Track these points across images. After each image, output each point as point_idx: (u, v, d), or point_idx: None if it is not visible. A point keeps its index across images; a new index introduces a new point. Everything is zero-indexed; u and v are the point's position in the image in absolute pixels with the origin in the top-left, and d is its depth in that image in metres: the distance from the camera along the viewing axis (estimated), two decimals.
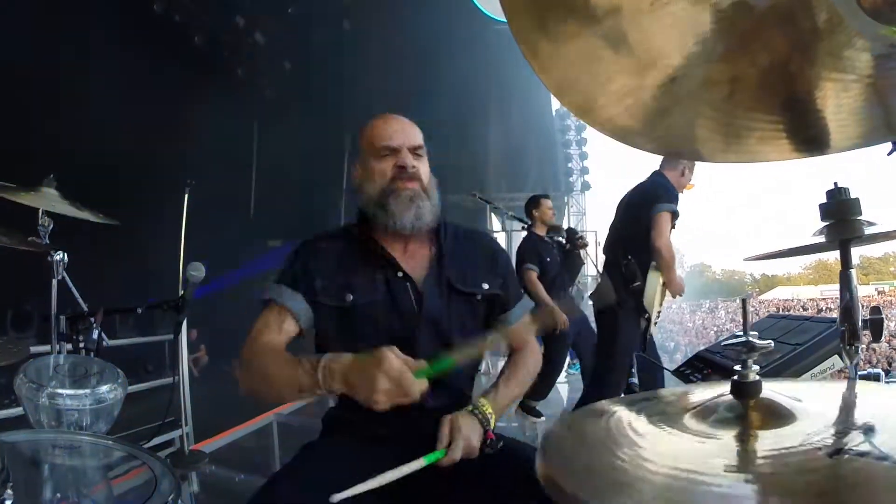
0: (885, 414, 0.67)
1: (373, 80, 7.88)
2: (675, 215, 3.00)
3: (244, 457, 3.48)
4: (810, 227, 1.21)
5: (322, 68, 8.12)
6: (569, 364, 5.49)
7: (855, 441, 0.59)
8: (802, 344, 1.98)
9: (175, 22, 6.31)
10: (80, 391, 1.65)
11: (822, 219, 1.13)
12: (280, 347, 1.29)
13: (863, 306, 1.10)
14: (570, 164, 14.64)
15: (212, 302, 6.78)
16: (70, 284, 2.34)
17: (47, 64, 4.97)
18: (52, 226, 2.19)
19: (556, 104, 11.78)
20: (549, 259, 4.12)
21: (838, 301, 1.10)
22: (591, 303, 3.77)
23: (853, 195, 1.10)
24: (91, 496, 1.16)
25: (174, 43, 6.31)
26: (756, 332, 0.74)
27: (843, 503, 0.55)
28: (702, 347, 2.64)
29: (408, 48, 7.71)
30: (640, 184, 3.31)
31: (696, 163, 3.19)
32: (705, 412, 0.73)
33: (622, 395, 2.81)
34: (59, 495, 1.12)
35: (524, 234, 4.45)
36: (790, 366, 1.92)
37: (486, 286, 1.41)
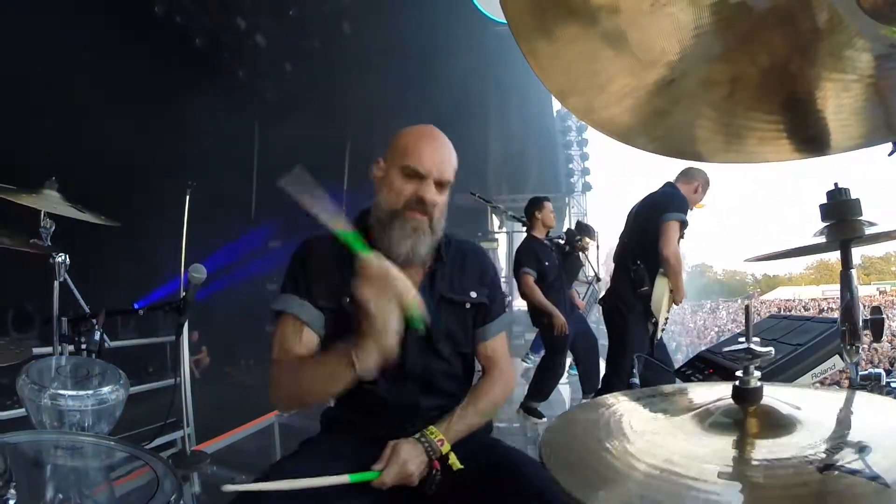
0: (883, 431, 0.67)
1: (373, 81, 7.88)
2: (683, 224, 3.06)
3: (246, 458, 3.48)
4: (811, 227, 1.21)
5: (322, 70, 8.12)
6: (570, 365, 5.49)
7: (847, 458, 0.59)
8: (803, 344, 1.97)
9: (176, 23, 6.32)
10: (82, 392, 1.65)
11: (823, 219, 1.13)
12: (304, 357, 1.28)
13: (864, 306, 1.10)
14: (571, 165, 14.64)
15: (213, 303, 6.79)
16: (72, 286, 2.34)
17: (48, 65, 4.97)
18: (53, 228, 2.20)
19: (556, 105, 11.77)
20: (547, 262, 4.09)
21: (839, 301, 1.10)
22: (599, 307, 3.77)
23: (853, 196, 1.10)
24: (93, 497, 1.16)
25: (175, 44, 6.32)
26: (758, 339, 0.74)
27: None
28: (703, 348, 2.64)
29: (408, 50, 7.71)
30: (651, 194, 3.38)
31: (710, 184, 3.37)
32: (704, 414, 0.73)
33: None
34: (61, 496, 1.12)
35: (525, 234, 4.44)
36: (791, 366, 1.92)
37: (474, 294, 1.41)
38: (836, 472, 0.56)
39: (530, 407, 4.11)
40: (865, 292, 31.60)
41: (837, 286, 1.14)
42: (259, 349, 7.95)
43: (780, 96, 0.68)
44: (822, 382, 2.12)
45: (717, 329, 34.44)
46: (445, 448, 1.22)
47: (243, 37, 7.33)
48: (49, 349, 2.20)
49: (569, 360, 5.05)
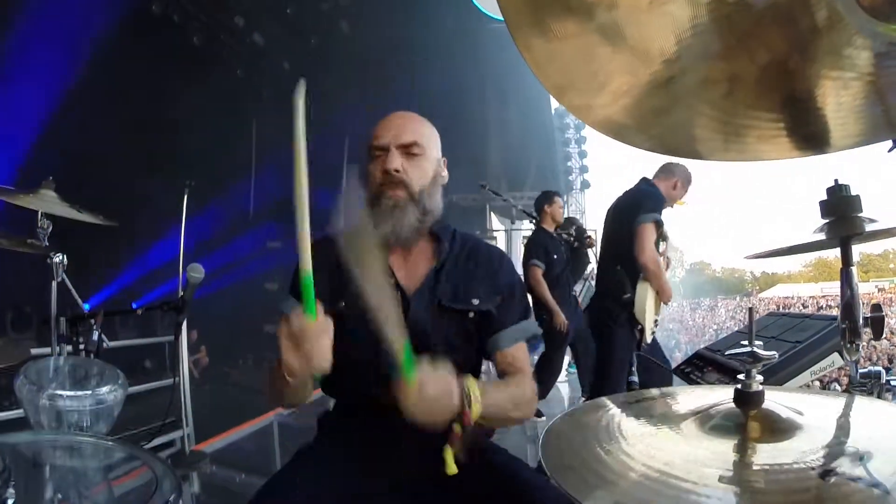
0: (883, 437, 0.66)
1: (371, 80, 7.88)
2: (658, 224, 2.90)
3: (244, 457, 3.47)
4: (811, 224, 1.21)
5: (321, 68, 8.11)
6: (568, 364, 5.49)
7: (848, 464, 0.59)
8: (803, 341, 1.98)
9: (174, 22, 6.30)
10: (81, 392, 1.65)
11: (823, 216, 1.13)
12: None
13: (863, 303, 1.09)
14: (569, 163, 14.65)
15: (212, 303, 6.79)
16: (70, 286, 2.34)
17: (48, 64, 4.96)
18: (51, 228, 2.19)
19: (555, 103, 11.75)
20: (555, 256, 4.10)
21: (839, 298, 1.10)
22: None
23: (853, 192, 1.10)
24: (92, 497, 1.16)
25: (173, 43, 6.31)
26: (760, 343, 0.74)
27: None
28: (702, 346, 2.64)
29: (406, 48, 7.71)
30: (626, 192, 3.22)
31: (692, 180, 3.21)
32: (705, 418, 0.73)
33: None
34: (59, 496, 1.12)
35: (525, 233, 4.45)
36: (790, 363, 1.92)
37: (476, 302, 1.28)
38: (837, 478, 0.56)
39: None
40: (864, 290, 31.63)
41: (836, 284, 1.14)
42: (258, 349, 7.95)
43: (780, 94, 0.67)
44: (820, 380, 2.12)
45: (715, 327, 34.51)
46: (476, 398, 1.04)
47: (241, 35, 7.33)
48: (47, 349, 2.20)
49: (567, 359, 5.06)
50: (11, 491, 0.86)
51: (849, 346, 1.08)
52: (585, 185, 15.06)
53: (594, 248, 4.84)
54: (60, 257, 2.22)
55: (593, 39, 0.60)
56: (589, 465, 0.66)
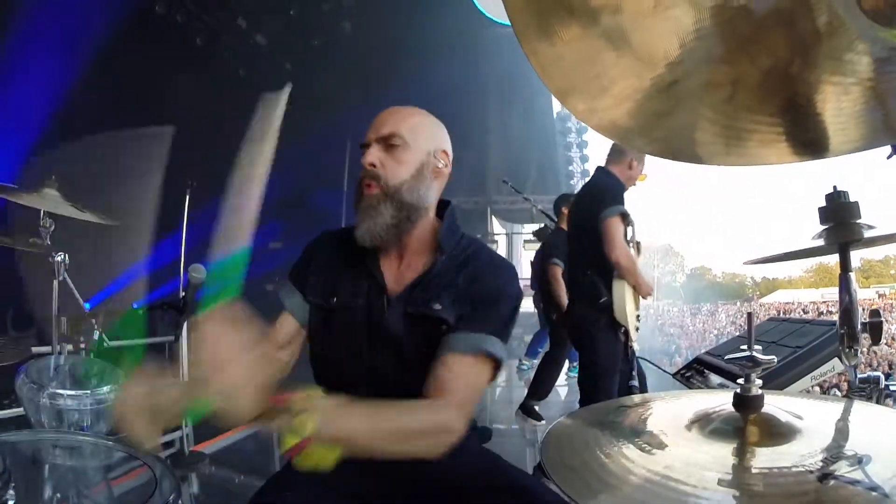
0: (882, 441, 0.67)
1: (373, 81, 7.88)
2: (624, 216, 2.72)
3: (244, 458, 3.47)
4: (810, 230, 1.21)
5: (323, 69, 8.13)
6: (568, 367, 5.49)
7: (846, 468, 0.59)
8: (802, 347, 1.98)
9: (176, 22, 6.32)
10: (81, 392, 1.65)
11: (822, 222, 1.14)
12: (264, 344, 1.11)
13: (863, 309, 1.10)
14: (570, 167, 14.64)
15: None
16: (71, 285, 2.34)
17: (48, 63, 4.97)
18: (53, 227, 2.20)
19: (557, 106, 11.77)
20: None
21: (838, 304, 1.10)
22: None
23: (852, 198, 1.10)
24: (91, 497, 1.16)
25: (175, 43, 6.32)
26: (760, 347, 0.74)
27: None
28: (702, 351, 2.63)
29: (408, 50, 7.72)
30: (585, 185, 3.04)
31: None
32: (705, 422, 0.74)
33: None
34: (59, 496, 1.12)
35: (526, 236, 4.47)
36: (790, 368, 1.92)
37: (437, 307, 1.16)
38: (835, 482, 0.56)
39: (529, 408, 4.11)
40: (864, 295, 31.60)
41: (836, 289, 1.14)
42: None
43: (781, 98, 0.68)
44: (820, 385, 2.12)
45: (716, 332, 34.44)
46: (308, 426, 0.88)
47: (243, 36, 7.34)
48: (48, 348, 2.20)
49: (567, 363, 5.06)
50: (12, 492, 0.87)
51: (847, 351, 1.08)
52: None
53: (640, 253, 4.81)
54: (62, 256, 2.22)
55: (598, 43, 0.60)
56: (589, 469, 0.66)
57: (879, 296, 34.76)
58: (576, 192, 3.65)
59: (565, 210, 4.25)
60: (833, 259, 1.14)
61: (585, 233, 2.79)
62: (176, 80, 6.19)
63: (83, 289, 2.46)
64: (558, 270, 4.04)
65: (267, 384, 0.89)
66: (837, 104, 0.66)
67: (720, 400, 0.77)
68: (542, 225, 5.95)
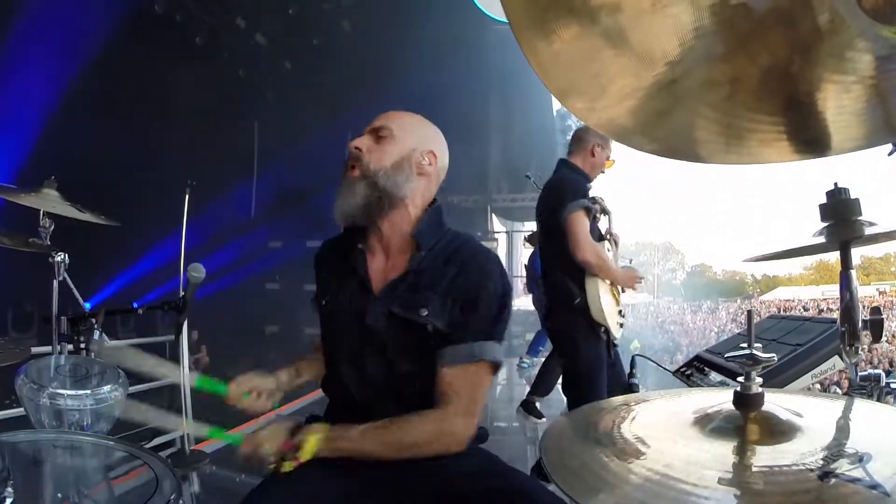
0: (883, 439, 0.67)
1: (373, 80, 7.89)
2: (588, 210, 2.55)
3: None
4: (811, 227, 1.21)
5: (322, 68, 8.13)
6: None
7: (847, 466, 0.59)
8: (803, 344, 1.98)
9: (176, 22, 6.32)
10: (81, 391, 1.65)
11: (823, 219, 1.13)
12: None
13: (863, 307, 1.09)
14: None
15: (213, 303, 6.79)
16: (71, 285, 2.34)
17: (48, 64, 4.97)
18: (52, 227, 2.20)
19: (557, 105, 11.76)
20: None
21: (839, 302, 1.10)
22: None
23: (853, 196, 1.10)
24: (92, 496, 1.16)
25: (175, 43, 6.32)
26: (759, 345, 0.74)
27: None
28: (702, 348, 2.63)
29: (408, 49, 7.72)
30: (547, 181, 2.86)
31: (607, 137, 2.67)
32: (705, 420, 0.73)
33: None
34: (59, 495, 1.12)
35: (526, 234, 4.45)
36: (790, 366, 1.92)
37: (424, 312, 1.18)
38: (836, 480, 0.56)
39: (531, 405, 4.11)
40: (865, 293, 31.62)
41: (837, 287, 1.14)
42: (258, 348, 7.96)
43: (781, 97, 0.67)
44: (821, 383, 2.12)
45: (716, 329, 34.47)
46: (310, 446, 1.12)
47: (243, 36, 7.34)
48: (48, 348, 2.20)
49: None
50: (10, 490, 0.87)
51: (848, 348, 1.08)
52: None
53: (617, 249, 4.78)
54: (62, 256, 2.22)
55: (597, 42, 0.60)
56: (589, 467, 0.66)
57: (880, 293, 34.79)
58: None
59: None
60: (833, 256, 1.14)
61: (551, 233, 2.64)
62: (176, 80, 6.19)
63: (83, 289, 2.46)
64: None
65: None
66: (838, 102, 0.66)
67: (720, 398, 0.77)
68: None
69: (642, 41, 0.60)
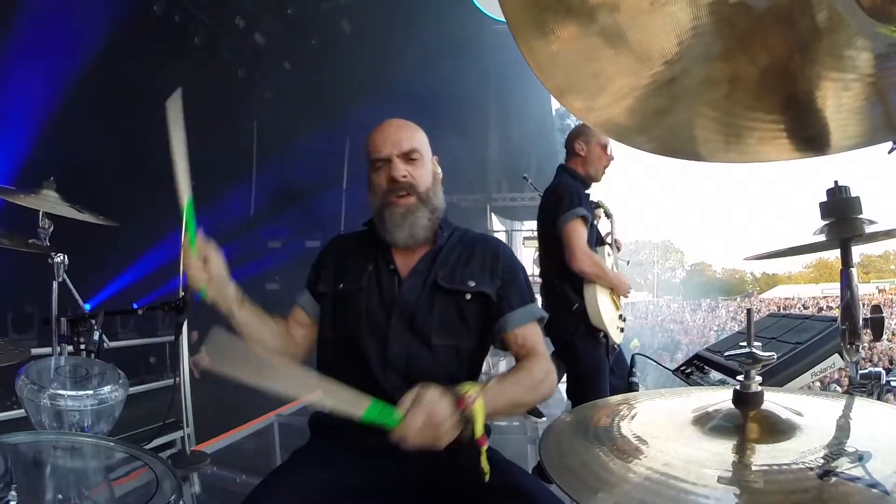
0: (883, 437, 0.67)
1: (372, 80, 7.88)
2: (585, 219, 2.55)
3: (245, 458, 3.47)
4: (811, 225, 1.21)
5: (322, 69, 8.12)
6: None
7: (847, 464, 0.59)
8: (803, 342, 1.97)
9: (174, 22, 6.31)
10: (82, 392, 1.65)
11: (823, 217, 1.13)
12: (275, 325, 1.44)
13: (863, 305, 1.09)
14: None
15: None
16: (70, 286, 2.34)
17: (47, 64, 4.97)
18: (52, 228, 2.20)
19: (556, 104, 11.75)
20: None
21: (839, 299, 1.10)
22: None
23: (854, 194, 1.10)
24: (92, 497, 1.16)
25: (174, 43, 6.31)
26: (759, 343, 0.74)
27: None
28: (702, 347, 2.63)
29: (407, 49, 7.70)
30: (546, 189, 2.86)
31: (598, 134, 2.77)
32: (705, 419, 0.73)
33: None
34: (60, 496, 1.12)
35: (525, 233, 4.45)
36: (790, 364, 1.92)
37: (472, 283, 1.34)
38: (836, 479, 0.56)
39: None
40: (864, 291, 31.63)
41: (836, 285, 1.14)
42: None
43: (780, 95, 0.67)
44: (821, 381, 2.12)
45: (716, 328, 34.47)
46: (478, 409, 1.04)
47: (242, 35, 7.33)
48: (48, 349, 2.20)
49: None
50: (13, 493, 0.86)
51: (849, 347, 1.08)
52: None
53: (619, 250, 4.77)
54: (61, 257, 2.22)
55: (595, 42, 0.60)
56: (589, 467, 0.66)
57: (879, 291, 34.78)
58: None
59: None
60: (832, 254, 1.15)
61: (549, 240, 2.66)
62: (175, 80, 6.18)
63: (83, 290, 2.46)
64: None
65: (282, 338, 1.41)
66: (838, 100, 0.66)
67: (720, 396, 0.77)
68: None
69: (641, 40, 0.60)
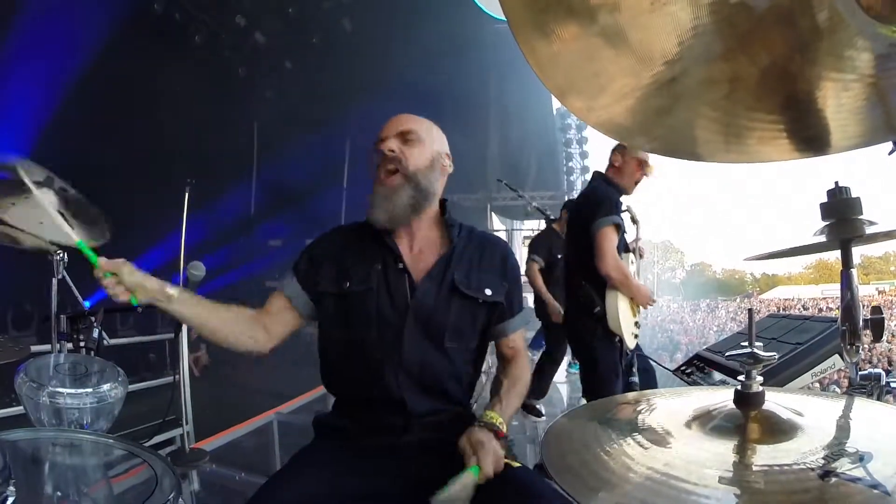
0: (883, 438, 0.67)
1: (373, 79, 7.88)
2: (618, 228, 2.64)
3: (244, 455, 3.47)
4: (811, 226, 1.21)
5: (322, 68, 8.11)
6: (569, 364, 5.49)
7: (848, 465, 0.59)
8: (803, 343, 1.97)
9: (175, 21, 6.31)
10: (81, 390, 1.65)
11: (823, 218, 1.13)
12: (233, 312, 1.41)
13: (863, 306, 1.09)
14: (570, 164, 14.63)
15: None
16: (70, 283, 2.34)
17: (47, 63, 4.97)
18: None
19: (556, 103, 11.74)
20: (559, 256, 4.11)
21: (839, 300, 1.10)
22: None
23: (854, 194, 1.10)
24: (91, 495, 1.16)
25: (175, 42, 6.31)
26: (760, 344, 0.74)
27: None
28: (702, 347, 2.63)
29: (408, 48, 7.71)
30: (581, 192, 2.96)
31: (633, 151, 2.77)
32: (706, 419, 0.73)
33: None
34: (59, 494, 1.12)
35: (525, 232, 4.47)
36: (790, 365, 1.92)
37: (489, 292, 1.36)
38: (837, 479, 0.56)
39: (530, 405, 4.11)
40: (864, 292, 31.62)
41: (836, 285, 1.13)
42: None
43: (780, 96, 0.67)
44: (821, 382, 2.12)
45: (716, 328, 34.49)
46: (505, 429, 1.23)
47: (243, 35, 7.33)
48: (47, 347, 2.20)
49: (567, 359, 5.06)
50: (12, 489, 0.86)
51: (849, 348, 1.08)
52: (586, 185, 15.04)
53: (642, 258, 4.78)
54: (61, 255, 2.22)
55: (596, 42, 0.60)
56: (589, 466, 0.66)
57: (879, 292, 34.80)
58: (575, 189, 3.58)
59: (565, 213, 4.25)
60: (833, 255, 1.15)
61: (579, 243, 2.73)
62: (175, 79, 6.18)
63: (82, 287, 2.46)
64: (535, 266, 4.10)
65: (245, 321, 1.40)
66: (838, 101, 0.66)
67: (721, 397, 0.77)
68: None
69: (641, 40, 0.60)
